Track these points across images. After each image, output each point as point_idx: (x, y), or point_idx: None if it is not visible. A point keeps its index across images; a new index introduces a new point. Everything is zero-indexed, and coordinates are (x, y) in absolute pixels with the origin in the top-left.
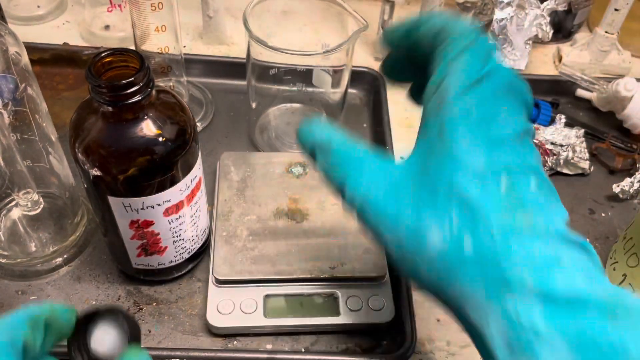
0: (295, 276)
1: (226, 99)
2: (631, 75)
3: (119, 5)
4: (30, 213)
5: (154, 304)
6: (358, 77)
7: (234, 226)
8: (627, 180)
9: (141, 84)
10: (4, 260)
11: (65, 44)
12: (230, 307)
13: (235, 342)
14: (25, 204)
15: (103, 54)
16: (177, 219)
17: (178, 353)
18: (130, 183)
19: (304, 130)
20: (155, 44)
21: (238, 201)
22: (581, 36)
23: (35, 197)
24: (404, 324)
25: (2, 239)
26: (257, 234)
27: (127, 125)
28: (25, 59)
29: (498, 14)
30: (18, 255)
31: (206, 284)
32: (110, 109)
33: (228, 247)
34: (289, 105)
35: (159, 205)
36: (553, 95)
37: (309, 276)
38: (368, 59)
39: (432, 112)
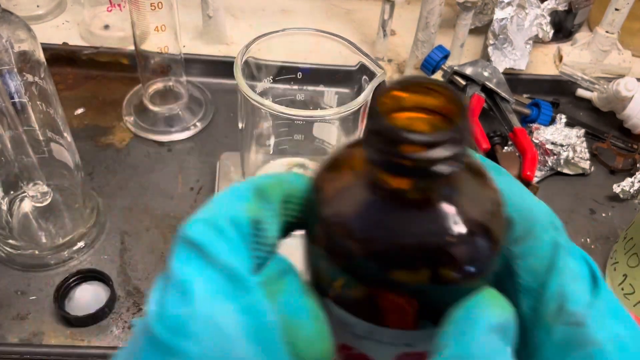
0: None
1: (226, 99)
2: (631, 75)
3: (119, 5)
4: (41, 204)
5: None
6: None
7: None
8: (628, 180)
9: (460, 144)
10: (14, 251)
11: (64, 43)
12: None
13: None
14: (34, 195)
15: (397, 84)
16: None
17: None
18: (388, 303)
19: None
20: (155, 43)
21: None
22: (581, 36)
23: (44, 188)
24: None
25: (14, 228)
26: None
27: (417, 209)
28: (38, 51)
29: (498, 14)
30: (28, 246)
31: None
32: (398, 178)
33: None
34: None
35: (392, 345)
36: (553, 95)
37: None
38: None
39: (568, 352)
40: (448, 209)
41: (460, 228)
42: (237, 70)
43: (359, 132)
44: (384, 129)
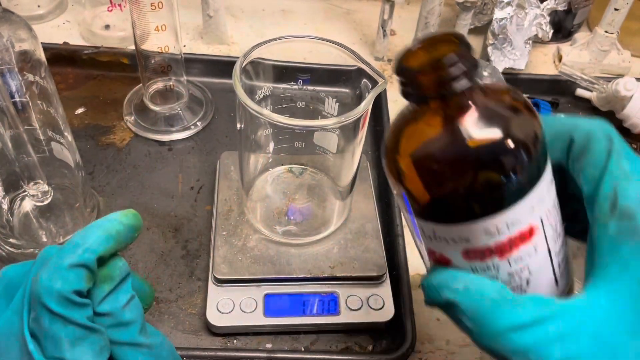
0: (295, 275)
1: (226, 98)
2: (631, 75)
3: (119, 5)
4: (42, 203)
5: (154, 302)
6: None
7: (233, 225)
8: None
9: (462, 64)
10: (15, 250)
11: (65, 43)
12: (230, 306)
13: (235, 341)
14: (35, 194)
15: (412, 46)
16: (483, 268)
17: (178, 352)
18: (435, 205)
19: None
20: (155, 43)
21: (238, 200)
22: (581, 36)
23: (45, 187)
24: (403, 323)
25: (15, 227)
26: (257, 233)
27: (452, 122)
28: (39, 50)
29: (498, 14)
30: (29, 245)
31: (206, 283)
32: (434, 106)
33: (228, 246)
34: (283, 168)
35: (454, 242)
36: (553, 94)
37: (309, 276)
38: (368, 58)
39: (622, 241)
40: (472, 116)
41: (499, 131)
42: (236, 80)
43: (360, 139)
44: (403, 69)
